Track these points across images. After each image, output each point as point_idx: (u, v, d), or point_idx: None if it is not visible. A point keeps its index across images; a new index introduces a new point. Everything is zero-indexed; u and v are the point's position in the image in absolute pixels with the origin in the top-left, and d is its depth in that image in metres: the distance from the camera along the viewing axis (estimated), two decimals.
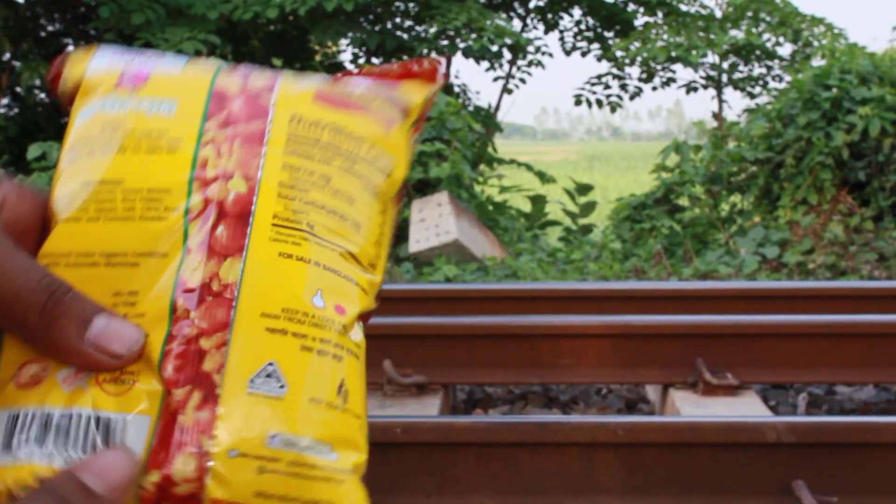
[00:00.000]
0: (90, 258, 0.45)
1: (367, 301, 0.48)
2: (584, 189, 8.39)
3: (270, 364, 0.44)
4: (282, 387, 0.43)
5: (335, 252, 0.47)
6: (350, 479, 0.44)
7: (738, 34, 11.01)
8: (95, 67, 0.51)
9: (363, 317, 0.48)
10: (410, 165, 0.55)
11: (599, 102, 11.75)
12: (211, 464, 0.42)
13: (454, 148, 6.76)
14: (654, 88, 11.88)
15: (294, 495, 0.43)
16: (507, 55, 11.28)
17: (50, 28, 11.03)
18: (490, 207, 7.52)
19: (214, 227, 0.46)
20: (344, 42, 11.47)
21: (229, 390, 0.43)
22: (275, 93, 0.51)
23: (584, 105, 11.80)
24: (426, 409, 2.62)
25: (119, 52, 0.52)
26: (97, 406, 0.43)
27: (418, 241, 6.02)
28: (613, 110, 11.84)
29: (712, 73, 11.40)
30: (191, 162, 0.47)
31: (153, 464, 0.42)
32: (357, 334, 0.47)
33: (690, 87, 11.56)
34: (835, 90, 6.66)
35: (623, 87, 11.77)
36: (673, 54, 10.86)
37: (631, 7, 12.10)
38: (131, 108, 0.48)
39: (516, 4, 12.01)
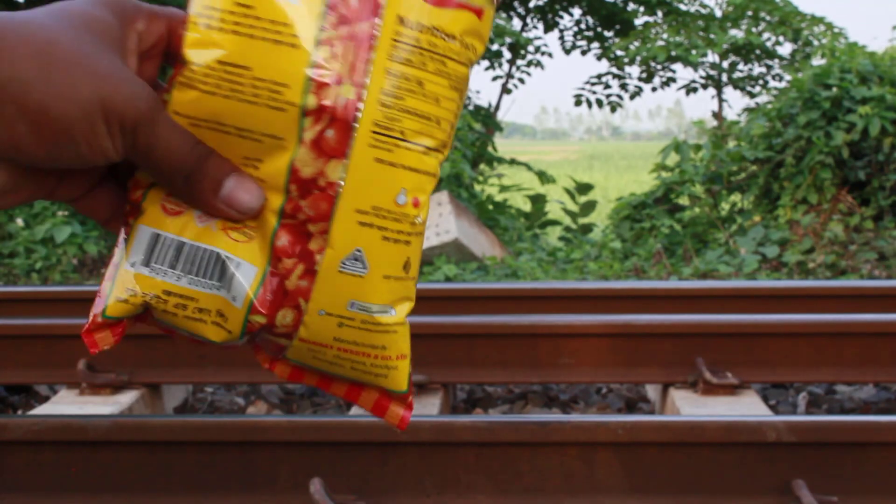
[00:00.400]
0: (224, 127, 0.53)
1: (436, 180, 0.57)
2: (584, 188, 8.39)
3: (358, 251, 0.54)
4: (364, 268, 0.55)
5: (419, 151, 0.55)
6: (401, 327, 0.58)
7: (738, 34, 11.00)
8: None
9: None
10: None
11: (599, 102, 11.74)
12: (304, 318, 0.55)
13: (454, 147, 6.75)
14: (654, 89, 11.88)
15: (361, 341, 0.56)
16: (507, 55, 11.27)
17: None
18: (490, 207, 7.53)
19: (324, 129, 0.53)
20: None
21: (325, 269, 0.54)
22: None
23: (584, 105, 11.80)
24: (426, 409, 2.62)
25: None
26: (220, 246, 0.54)
27: None
28: (613, 110, 11.84)
29: (712, 72, 11.39)
30: (308, 62, 0.52)
31: (261, 307, 0.54)
32: (423, 215, 0.56)
33: (690, 88, 11.55)
34: (835, 89, 6.66)
35: (623, 86, 11.77)
36: (673, 54, 10.86)
37: (631, 6, 12.09)
38: None
39: (516, 4, 12.01)
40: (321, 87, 0.52)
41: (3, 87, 0.49)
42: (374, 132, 0.53)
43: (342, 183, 0.53)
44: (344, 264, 0.54)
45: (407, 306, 0.58)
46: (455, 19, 0.55)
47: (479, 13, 0.56)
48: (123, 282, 0.55)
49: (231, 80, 0.52)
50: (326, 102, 0.53)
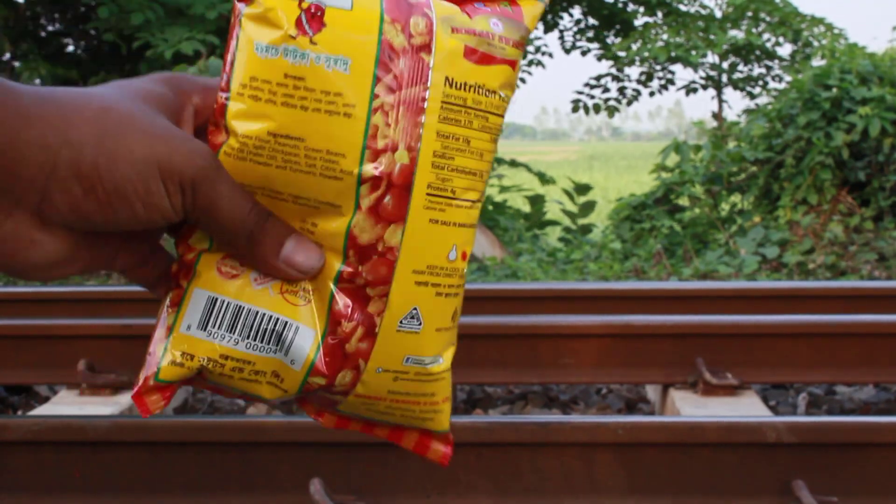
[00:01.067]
0: (280, 195, 0.54)
1: (476, 230, 0.59)
2: (583, 189, 8.38)
3: (415, 309, 0.56)
4: (419, 325, 0.56)
5: (466, 207, 0.57)
6: (447, 373, 0.59)
7: (738, 34, 11.00)
8: None
9: None
10: None
11: (597, 107, 11.73)
12: (363, 376, 0.56)
13: None
14: (652, 94, 11.86)
15: (413, 391, 0.58)
16: None
17: (50, 28, 11.02)
18: (490, 207, 7.52)
19: (382, 196, 0.54)
20: None
21: (384, 330, 0.55)
22: (433, 50, 0.55)
23: (582, 109, 11.79)
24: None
25: None
26: (277, 310, 0.55)
27: None
28: (611, 115, 11.84)
29: (712, 73, 11.39)
30: (363, 131, 0.53)
31: (318, 373, 0.55)
32: (467, 266, 0.59)
33: (690, 88, 11.55)
34: (835, 90, 6.66)
35: (621, 90, 11.76)
36: (673, 54, 10.86)
37: (631, 7, 12.09)
38: (312, 61, 0.53)
39: None
40: (377, 154, 0.53)
41: (57, 151, 0.50)
42: (429, 194, 0.55)
43: (400, 248, 0.55)
44: (402, 323, 0.56)
45: (451, 351, 0.60)
46: (496, 75, 0.57)
47: (513, 65, 0.58)
48: (178, 345, 0.55)
49: (284, 150, 0.53)
50: (383, 170, 0.54)
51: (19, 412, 3.12)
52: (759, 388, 3.11)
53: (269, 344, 0.54)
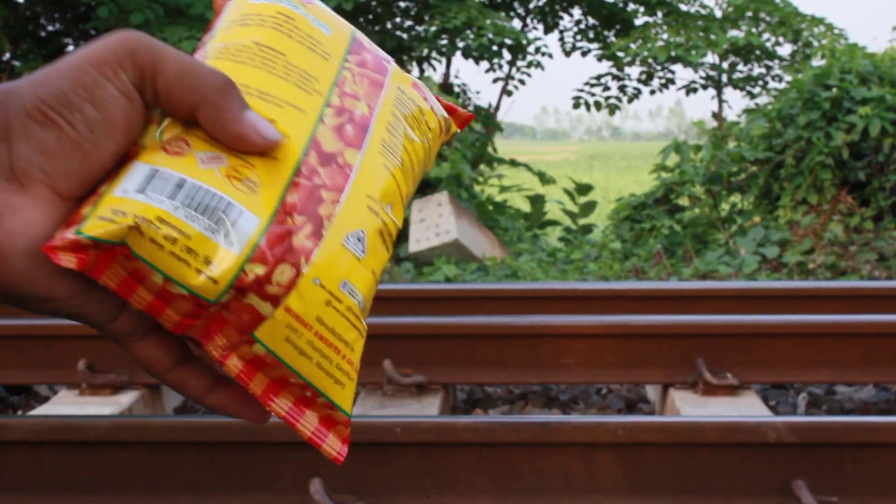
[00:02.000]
0: (246, 89, 0.54)
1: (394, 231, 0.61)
2: (584, 189, 8.38)
3: (362, 231, 0.55)
4: (363, 252, 0.55)
5: (396, 188, 0.60)
6: (362, 339, 0.57)
7: (738, 34, 11.00)
8: None
9: None
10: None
11: (598, 105, 11.73)
12: (300, 281, 0.52)
13: (454, 148, 6.76)
14: (653, 92, 11.87)
15: (338, 330, 0.54)
16: (507, 55, 11.28)
17: (50, 28, 11.02)
18: (490, 207, 7.53)
19: (344, 123, 0.57)
20: None
21: (331, 235, 0.54)
22: (391, 64, 0.65)
23: (583, 107, 11.79)
24: (426, 409, 2.62)
25: None
26: (223, 191, 0.52)
27: (418, 240, 6.02)
28: (612, 113, 11.84)
29: (712, 73, 11.39)
30: (336, 71, 0.59)
31: (259, 258, 0.51)
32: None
33: (690, 88, 11.55)
34: (835, 90, 6.66)
35: (622, 88, 11.76)
36: (673, 54, 10.86)
37: (631, 7, 12.09)
38: (301, 14, 0.60)
39: (516, 4, 12.01)
40: (344, 95, 0.59)
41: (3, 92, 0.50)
42: (383, 146, 0.59)
43: (357, 168, 0.56)
44: (347, 239, 0.55)
45: (364, 330, 0.57)
46: (433, 118, 0.66)
47: (441, 132, 0.67)
48: (110, 204, 0.49)
49: (263, 56, 0.57)
50: (347, 106, 0.58)
51: (19, 412, 3.12)
52: (759, 388, 3.11)
53: (210, 220, 0.50)
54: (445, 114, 0.68)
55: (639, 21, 12.05)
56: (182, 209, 0.50)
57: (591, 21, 12.23)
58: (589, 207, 8.29)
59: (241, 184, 0.52)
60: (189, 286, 0.50)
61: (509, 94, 11.42)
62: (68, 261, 0.48)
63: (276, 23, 0.59)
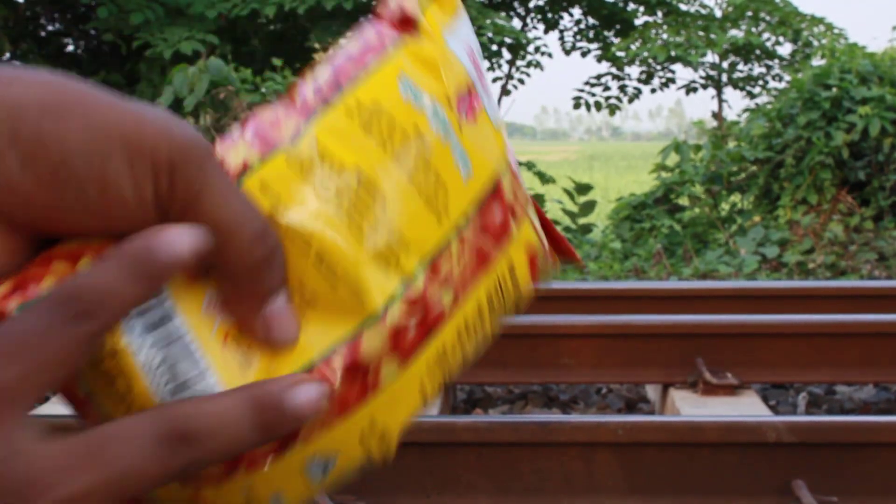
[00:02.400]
0: (307, 247, 0.41)
1: None
2: (584, 189, 8.39)
3: (332, 460, 0.43)
4: (320, 478, 0.43)
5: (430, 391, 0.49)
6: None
7: (738, 34, 11.01)
8: (453, 47, 0.45)
9: None
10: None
11: (598, 105, 11.75)
12: (226, 483, 0.41)
13: None
14: (653, 91, 11.89)
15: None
16: (507, 55, 11.28)
17: (50, 28, 11.03)
18: None
19: (407, 326, 0.42)
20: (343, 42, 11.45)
21: (294, 456, 0.41)
22: (516, 223, 0.47)
23: (584, 107, 11.81)
24: (426, 409, 2.62)
25: (470, 49, 0.47)
26: (208, 352, 0.39)
27: None
28: (612, 113, 11.85)
29: (712, 72, 11.40)
30: (440, 242, 0.43)
31: None
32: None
33: (690, 88, 11.57)
34: (835, 90, 6.66)
35: (622, 88, 11.78)
36: (673, 54, 10.87)
37: (631, 6, 12.10)
38: (446, 140, 0.43)
39: (516, 4, 12.02)
40: (432, 280, 0.42)
41: None
42: (439, 358, 0.44)
43: (382, 388, 0.42)
44: (311, 465, 0.42)
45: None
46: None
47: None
48: None
49: (354, 205, 0.41)
50: (429, 297, 0.42)
51: None
52: (759, 387, 3.11)
53: (167, 383, 0.38)
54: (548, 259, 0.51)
55: (639, 21, 12.06)
56: (146, 351, 0.37)
57: (591, 21, 12.24)
58: (588, 207, 8.30)
59: (235, 352, 0.39)
60: None
61: (508, 93, 11.43)
62: None
63: (403, 148, 0.41)
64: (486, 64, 10.27)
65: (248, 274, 0.39)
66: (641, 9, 11.98)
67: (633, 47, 11.11)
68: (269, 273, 0.39)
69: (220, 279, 0.39)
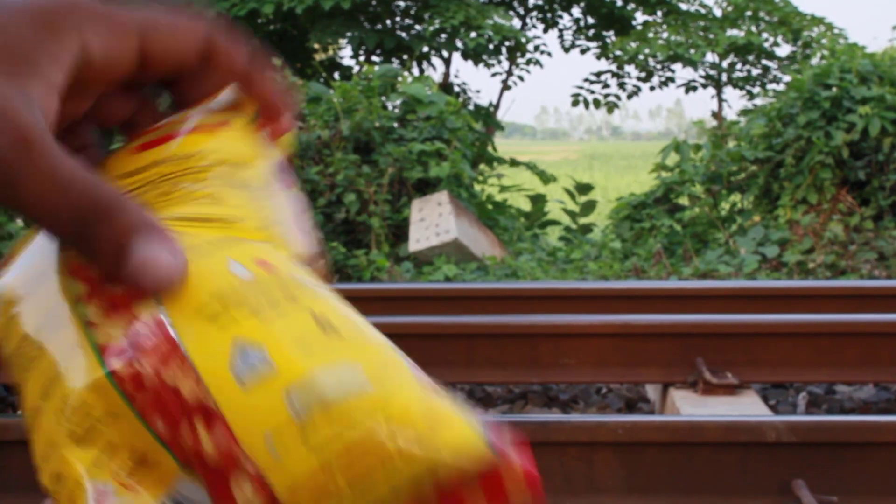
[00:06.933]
0: (37, 404, 0.42)
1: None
2: (584, 188, 8.39)
3: (242, 347, 0.37)
4: (262, 357, 0.37)
5: (206, 226, 0.41)
6: (387, 383, 0.38)
7: (738, 34, 11.01)
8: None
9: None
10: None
11: (597, 102, 11.75)
12: (259, 463, 0.37)
13: (454, 147, 6.76)
14: (653, 88, 11.89)
15: (352, 439, 0.36)
16: (506, 53, 11.28)
17: None
18: (490, 207, 7.53)
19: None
20: (343, 41, 11.47)
21: (218, 395, 0.37)
22: None
23: (582, 105, 11.81)
24: None
25: None
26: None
27: (418, 240, 6.02)
28: (611, 111, 11.85)
29: (712, 72, 11.40)
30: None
31: None
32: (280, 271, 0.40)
33: (690, 87, 11.57)
34: (835, 89, 6.66)
35: (622, 86, 11.78)
36: (672, 53, 10.87)
37: (630, 6, 12.10)
38: None
39: (515, 3, 12.01)
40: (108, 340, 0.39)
41: None
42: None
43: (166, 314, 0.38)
44: (234, 368, 0.37)
45: (356, 366, 0.38)
46: (189, 144, 0.44)
47: (223, 125, 0.45)
48: None
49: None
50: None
51: (19, 412, 3.12)
52: (759, 387, 3.10)
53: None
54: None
55: (638, 20, 12.07)
56: None
57: (591, 20, 12.25)
58: (589, 207, 8.29)
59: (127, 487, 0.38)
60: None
61: (508, 88, 11.43)
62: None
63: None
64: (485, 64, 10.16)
65: (87, 224, 0.38)
66: (641, 8, 11.98)
67: (630, 46, 11.12)
68: (120, 211, 0.38)
69: (79, 249, 0.39)
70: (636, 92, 11.78)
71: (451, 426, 0.38)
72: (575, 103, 11.81)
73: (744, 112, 8.93)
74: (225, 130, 0.46)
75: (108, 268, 0.39)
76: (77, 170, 0.38)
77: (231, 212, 0.42)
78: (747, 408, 2.57)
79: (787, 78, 10.29)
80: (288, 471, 0.36)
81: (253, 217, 0.43)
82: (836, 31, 10.81)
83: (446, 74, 11.46)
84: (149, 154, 0.44)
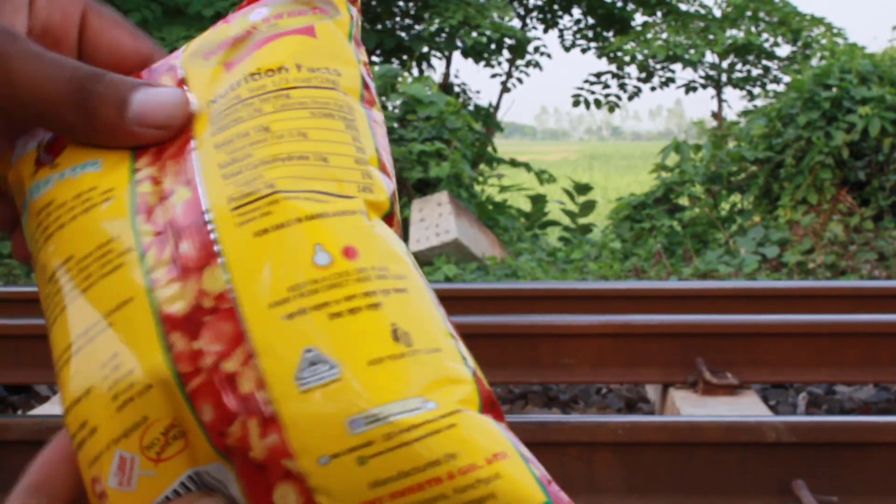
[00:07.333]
0: (78, 343, 0.40)
1: (381, 211, 0.42)
2: (583, 189, 8.39)
3: (308, 351, 0.37)
4: (332, 368, 0.37)
5: (312, 196, 0.40)
6: (462, 416, 0.38)
7: (737, 34, 11.01)
8: (15, 158, 0.46)
9: (389, 219, 0.43)
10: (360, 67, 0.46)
11: (598, 103, 11.75)
12: (310, 482, 0.36)
13: (454, 147, 6.76)
14: (653, 89, 11.90)
15: (409, 467, 0.37)
16: (506, 53, 11.29)
17: None
18: (490, 207, 7.53)
19: (176, 248, 0.39)
20: None
21: (282, 400, 0.37)
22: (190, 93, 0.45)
23: (583, 105, 11.81)
24: None
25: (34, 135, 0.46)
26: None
27: (418, 240, 6.02)
28: (612, 111, 11.85)
29: (712, 72, 11.40)
30: (129, 201, 0.42)
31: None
32: (372, 262, 0.40)
33: (690, 87, 11.57)
34: (835, 90, 6.66)
35: (622, 86, 11.79)
36: (671, 53, 10.87)
37: (630, 6, 12.11)
38: (56, 181, 0.43)
39: (515, 3, 12.02)
40: (151, 210, 0.41)
41: None
42: (235, 208, 0.40)
43: (231, 286, 0.38)
44: (301, 379, 0.37)
45: (457, 390, 0.38)
46: (272, 52, 0.44)
47: (308, 32, 0.44)
48: None
49: (62, 284, 0.42)
50: (162, 219, 0.40)
51: (19, 412, 3.12)
52: (759, 387, 3.10)
53: None
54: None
55: (638, 20, 12.07)
56: None
57: (591, 20, 12.25)
58: (588, 207, 8.30)
59: (159, 461, 0.39)
60: None
61: (508, 90, 11.43)
62: None
63: (43, 230, 0.44)
64: (485, 63, 10.15)
65: (83, 117, 0.41)
66: (641, 9, 11.99)
67: (629, 47, 11.12)
68: (100, 98, 0.41)
69: (80, 136, 0.43)
70: (637, 93, 11.79)
71: (513, 470, 0.38)
72: (576, 104, 11.81)
73: (744, 112, 8.92)
74: (305, 38, 0.45)
75: (112, 123, 0.41)
76: (62, 56, 0.42)
77: (322, 147, 0.42)
78: (747, 408, 2.57)
79: (787, 78, 10.30)
80: (339, 496, 0.37)
81: (344, 151, 0.42)
82: (835, 31, 10.80)
83: (446, 75, 11.46)
84: (240, 69, 0.44)
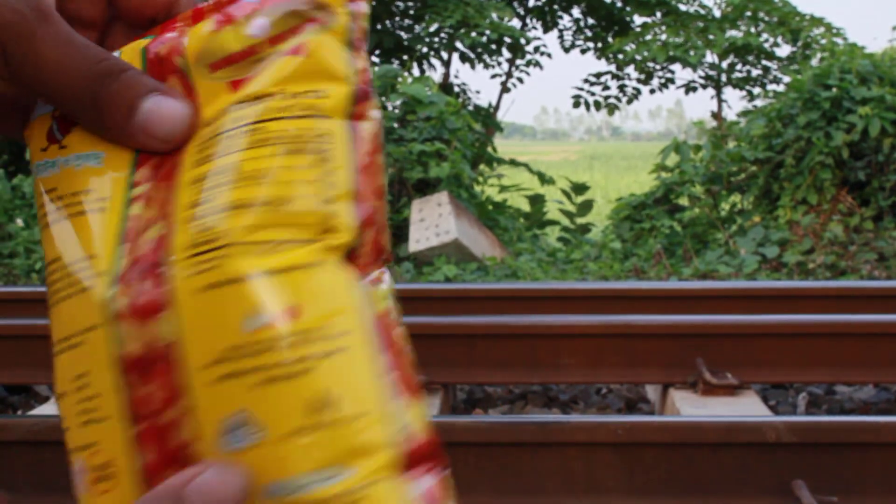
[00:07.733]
0: (60, 346, 0.41)
1: (343, 251, 0.40)
2: (581, 188, 8.39)
3: (235, 414, 0.37)
4: (256, 433, 0.37)
5: (268, 248, 0.39)
6: (377, 487, 0.38)
7: (737, 34, 11.01)
8: (35, 115, 0.46)
9: (353, 257, 0.41)
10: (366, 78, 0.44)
11: (598, 104, 11.75)
12: None
13: (454, 148, 6.76)
14: (653, 91, 11.89)
15: None
16: (506, 53, 11.29)
17: None
18: (490, 207, 7.53)
19: (141, 282, 0.39)
20: None
21: (209, 458, 0.37)
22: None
23: (583, 106, 11.81)
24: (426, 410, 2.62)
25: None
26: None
27: (418, 240, 6.02)
28: (611, 113, 11.85)
29: (711, 72, 11.40)
30: (118, 220, 0.41)
31: None
32: (317, 323, 0.38)
33: (689, 87, 11.56)
34: (834, 90, 6.66)
35: (621, 88, 11.78)
36: (671, 54, 10.87)
37: (629, 7, 12.11)
38: (61, 166, 0.43)
39: (515, 4, 12.02)
40: (134, 238, 0.40)
41: None
42: (191, 256, 0.38)
43: (179, 339, 0.38)
44: (226, 440, 0.37)
45: (371, 456, 0.38)
46: (261, 78, 0.42)
47: (297, 51, 0.42)
48: None
49: (54, 281, 0.42)
50: (138, 251, 0.40)
51: (19, 412, 3.12)
52: (759, 387, 3.10)
53: None
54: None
55: (637, 21, 12.07)
56: None
57: (590, 21, 12.25)
58: (586, 207, 8.30)
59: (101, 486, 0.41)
60: None
61: (508, 90, 11.43)
62: None
63: (48, 212, 0.44)
64: (485, 63, 10.14)
65: (96, 110, 0.42)
66: (640, 10, 11.99)
67: (628, 48, 11.12)
68: (114, 99, 0.42)
69: (85, 123, 0.43)
70: (636, 96, 11.79)
71: None
72: (576, 105, 11.81)
73: (744, 112, 8.92)
74: (294, 58, 0.42)
75: (118, 123, 0.42)
76: (90, 42, 0.42)
77: (286, 191, 0.40)
78: (747, 408, 2.57)
79: (787, 78, 10.29)
80: None
81: (311, 192, 0.40)
82: (835, 31, 10.80)
83: (446, 75, 11.46)
84: (230, 96, 0.42)
